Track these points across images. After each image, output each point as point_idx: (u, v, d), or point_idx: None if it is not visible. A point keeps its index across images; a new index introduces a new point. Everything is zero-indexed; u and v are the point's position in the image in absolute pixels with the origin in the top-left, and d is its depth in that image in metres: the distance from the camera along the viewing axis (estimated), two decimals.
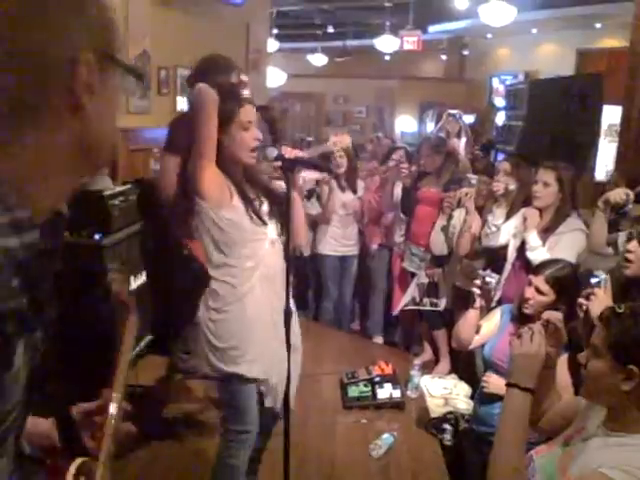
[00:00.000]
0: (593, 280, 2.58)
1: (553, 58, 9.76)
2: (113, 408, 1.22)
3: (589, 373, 1.58)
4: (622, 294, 2.59)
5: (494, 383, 2.93)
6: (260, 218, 2.32)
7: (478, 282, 3.01)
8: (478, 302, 3.04)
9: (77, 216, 3.76)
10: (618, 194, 3.20)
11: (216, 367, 2.36)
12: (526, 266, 3.34)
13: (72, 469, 1.12)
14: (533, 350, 1.65)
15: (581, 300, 2.57)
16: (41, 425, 1.22)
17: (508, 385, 1.64)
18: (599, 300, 2.48)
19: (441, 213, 4.33)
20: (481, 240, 3.91)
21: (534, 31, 10.12)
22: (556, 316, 1.82)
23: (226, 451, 2.52)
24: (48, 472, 1.12)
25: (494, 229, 3.80)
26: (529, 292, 2.86)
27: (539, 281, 2.85)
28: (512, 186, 3.82)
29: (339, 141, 4.56)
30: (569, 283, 2.84)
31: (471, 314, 3.08)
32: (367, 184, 5.25)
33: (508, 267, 3.58)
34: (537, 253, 3.30)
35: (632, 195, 3.21)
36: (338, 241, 5.20)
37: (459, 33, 12.09)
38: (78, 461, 1.15)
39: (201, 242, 2.32)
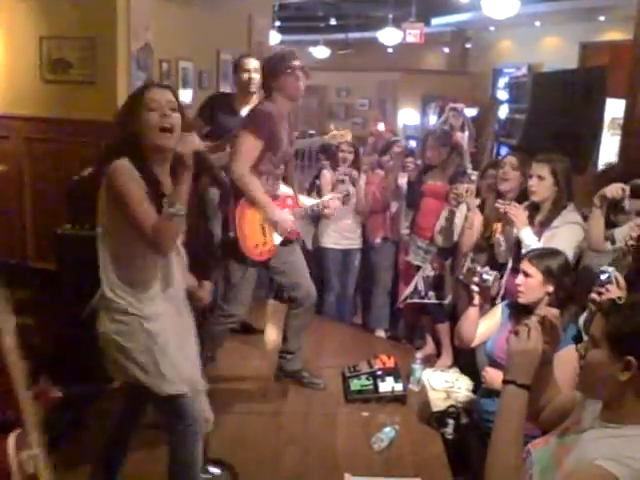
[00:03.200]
0: (603, 276, 2.57)
1: (556, 51, 9.72)
2: (14, 373, 1.24)
3: (587, 363, 1.59)
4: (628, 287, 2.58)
5: (492, 378, 2.94)
6: None
7: (476, 279, 3.02)
8: (477, 299, 3.05)
9: (79, 208, 3.77)
10: (615, 189, 3.18)
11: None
12: None
13: (11, 442, 1.12)
14: (530, 346, 1.65)
15: (593, 296, 2.57)
16: None
17: (504, 382, 1.65)
18: (613, 295, 2.47)
19: (446, 205, 4.31)
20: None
21: (537, 24, 10.08)
22: (553, 313, 1.83)
23: (180, 451, 2.45)
24: None
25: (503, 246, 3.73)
26: (518, 279, 2.89)
27: (524, 264, 2.89)
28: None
29: (339, 135, 4.55)
30: (554, 263, 2.86)
31: (471, 312, 3.09)
32: (369, 177, 5.24)
33: (510, 263, 3.57)
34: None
35: (628, 190, 3.19)
36: (340, 234, 5.20)
37: (462, 26, 12.07)
38: (14, 434, 1.18)
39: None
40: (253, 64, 4.22)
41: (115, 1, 4.39)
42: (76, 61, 4.55)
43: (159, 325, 2.28)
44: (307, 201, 3.97)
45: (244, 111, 4.05)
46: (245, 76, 4.22)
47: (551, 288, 2.84)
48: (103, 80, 4.49)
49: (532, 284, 2.85)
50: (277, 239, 3.61)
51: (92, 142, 4.39)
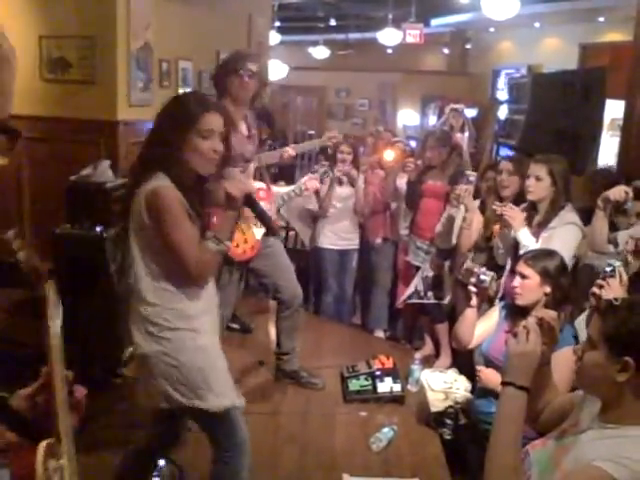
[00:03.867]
0: (608, 268, 2.57)
1: (556, 52, 9.72)
2: (56, 382, 1.21)
3: (584, 364, 1.59)
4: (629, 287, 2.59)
5: (487, 377, 2.94)
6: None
7: (473, 280, 3.02)
8: (474, 300, 3.05)
9: (78, 208, 3.77)
10: (618, 192, 3.18)
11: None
12: None
13: (40, 453, 1.11)
14: (529, 348, 1.65)
15: (594, 289, 2.57)
16: None
17: (503, 384, 1.64)
18: (613, 290, 2.47)
19: (448, 206, 4.31)
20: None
21: (537, 25, 10.08)
22: (550, 314, 1.83)
23: (227, 474, 2.37)
24: (13, 462, 1.11)
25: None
26: (515, 281, 2.89)
27: (520, 266, 2.89)
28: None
29: (333, 137, 4.54)
30: (551, 264, 2.86)
31: (468, 313, 3.09)
32: (369, 177, 5.24)
33: (509, 264, 3.57)
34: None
35: (631, 192, 3.20)
36: (337, 235, 5.20)
37: (462, 26, 12.06)
38: (44, 444, 1.14)
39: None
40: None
41: (115, 1, 4.39)
42: (76, 60, 4.55)
43: (207, 339, 2.25)
44: (284, 190, 3.94)
45: None
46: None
47: (548, 289, 2.83)
48: (103, 80, 4.49)
49: (529, 285, 2.85)
50: (258, 234, 3.54)
51: (91, 141, 4.40)
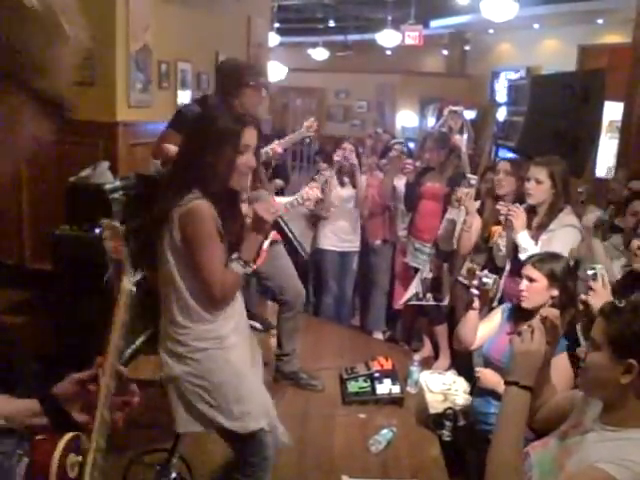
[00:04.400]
0: (589, 272, 2.59)
1: (555, 54, 9.73)
2: (106, 375, 1.20)
3: (587, 366, 1.59)
4: (630, 288, 2.59)
5: (486, 378, 2.94)
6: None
7: (475, 282, 3.02)
8: (477, 303, 3.05)
9: (77, 209, 3.76)
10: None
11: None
12: (518, 269, 3.31)
13: (61, 445, 1.10)
14: (534, 347, 1.64)
15: (582, 296, 2.58)
16: (22, 405, 1.20)
17: (507, 383, 1.64)
18: (599, 294, 2.49)
19: (450, 208, 4.32)
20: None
21: (536, 26, 10.09)
22: (553, 313, 1.82)
23: None
24: (34, 448, 1.09)
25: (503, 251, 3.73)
26: (522, 284, 2.88)
27: (527, 270, 2.88)
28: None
29: (310, 125, 4.55)
30: (558, 267, 2.86)
31: (470, 315, 3.08)
32: (368, 179, 5.24)
33: (508, 265, 3.57)
34: (528, 254, 3.28)
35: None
36: (338, 236, 5.20)
37: (461, 28, 12.07)
38: (67, 436, 1.13)
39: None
40: None
41: (114, 2, 4.39)
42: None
43: (239, 357, 2.22)
44: (285, 200, 3.95)
45: None
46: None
47: (556, 292, 2.82)
48: (102, 81, 4.48)
49: (537, 289, 2.83)
50: (264, 243, 3.56)
51: (91, 142, 4.39)
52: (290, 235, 2.19)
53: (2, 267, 4.51)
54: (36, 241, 4.69)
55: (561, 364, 2.45)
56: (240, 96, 3.34)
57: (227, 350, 2.17)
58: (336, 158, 5.11)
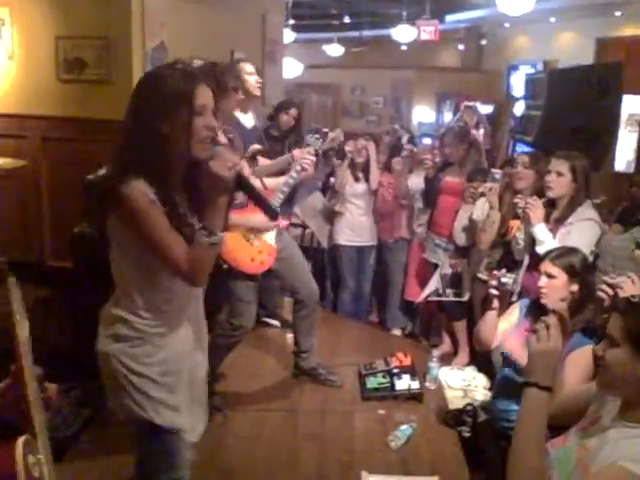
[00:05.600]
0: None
1: (572, 47, 9.63)
2: (27, 378, 1.21)
3: (607, 363, 1.57)
4: None
5: (512, 346, 2.91)
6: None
7: (494, 282, 2.99)
8: (496, 303, 3.02)
9: (95, 207, 3.78)
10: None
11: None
12: (536, 263, 3.28)
13: (19, 448, 1.12)
14: (551, 346, 1.60)
15: (604, 288, 2.53)
16: None
17: (527, 385, 1.60)
18: (629, 292, 2.44)
19: (463, 203, 4.30)
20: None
21: (553, 20, 10.00)
22: (561, 306, 1.79)
23: None
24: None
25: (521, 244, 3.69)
26: (541, 281, 2.85)
27: (546, 266, 2.85)
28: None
29: (336, 137, 4.48)
30: (578, 262, 2.83)
31: (489, 315, 3.06)
32: (380, 179, 5.22)
33: (526, 260, 3.55)
34: (546, 247, 3.25)
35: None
36: (354, 231, 5.21)
37: (476, 22, 11.98)
38: (22, 439, 1.15)
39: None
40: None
41: (130, 1, 4.41)
42: (92, 60, 4.57)
43: (174, 347, 2.02)
44: (281, 180, 3.58)
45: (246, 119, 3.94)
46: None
47: (576, 287, 2.79)
48: (118, 79, 4.50)
49: (556, 285, 2.80)
50: (270, 239, 3.47)
51: (108, 141, 4.40)
52: (256, 191, 1.93)
53: (23, 264, 4.55)
54: (56, 239, 4.73)
55: (578, 358, 2.42)
56: (222, 100, 3.06)
57: (165, 334, 1.98)
58: (347, 149, 5.09)
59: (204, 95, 1.85)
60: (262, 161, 3.63)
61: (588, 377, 2.49)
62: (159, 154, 1.83)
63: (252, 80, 3.92)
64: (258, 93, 3.91)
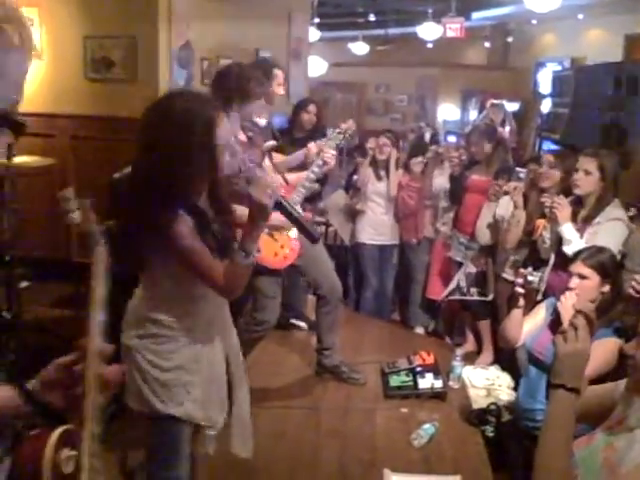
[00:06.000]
0: None
1: (600, 44, 9.51)
2: (90, 356, 1.11)
3: (638, 362, 1.54)
4: None
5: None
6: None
7: (520, 281, 2.97)
8: (521, 301, 3.00)
9: (121, 205, 3.82)
10: None
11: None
12: (563, 262, 3.26)
13: (51, 441, 1.04)
14: (579, 347, 1.56)
15: (636, 286, 2.50)
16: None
17: (554, 386, 1.57)
18: None
19: (487, 202, 4.28)
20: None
21: (580, 16, 9.88)
22: (589, 307, 1.76)
23: None
24: (20, 447, 1.04)
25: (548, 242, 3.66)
26: (572, 283, 2.81)
27: (579, 267, 2.81)
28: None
29: (348, 127, 4.45)
30: (609, 262, 2.80)
31: (515, 314, 3.03)
32: (400, 179, 5.19)
33: (552, 259, 3.52)
34: (573, 246, 3.22)
35: None
36: (376, 230, 5.20)
37: (503, 19, 11.88)
38: (58, 431, 1.07)
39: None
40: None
41: (157, 0, 4.45)
42: (119, 59, 4.63)
43: (197, 344, 2.07)
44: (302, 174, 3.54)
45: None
46: (277, 89, 4.12)
47: (607, 287, 2.76)
48: (145, 78, 4.55)
49: (589, 286, 2.77)
50: (293, 233, 3.45)
51: (134, 140, 4.46)
52: (296, 215, 1.93)
53: (50, 261, 4.61)
54: (82, 235, 4.79)
55: (597, 349, 2.39)
56: (246, 105, 3.09)
57: (189, 335, 2.04)
58: (369, 146, 5.07)
59: (221, 120, 1.90)
60: (276, 157, 3.65)
61: (606, 369, 2.48)
62: (194, 183, 1.91)
63: (280, 91, 3.97)
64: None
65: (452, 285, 4.55)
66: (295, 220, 1.97)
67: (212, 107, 1.92)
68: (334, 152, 3.42)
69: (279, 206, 1.87)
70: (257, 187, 1.81)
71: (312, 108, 4.85)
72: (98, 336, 1.13)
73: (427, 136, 5.55)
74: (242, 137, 3.20)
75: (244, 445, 2.39)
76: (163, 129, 1.92)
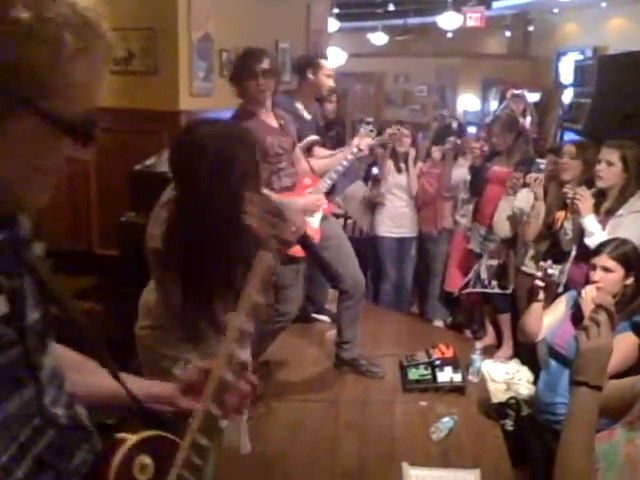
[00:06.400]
0: None
1: (623, 33, 9.38)
2: (221, 362, 1.02)
3: None
4: None
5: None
6: None
7: (540, 274, 2.95)
8: (541, 295, 2.98)
9: (142, 197, 3.85)
10: None
11: None
12: (584, 255, 3.22)
13: (129, 442, 0.96)
14: (602, 343, 1.54)
15: None
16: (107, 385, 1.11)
17: (576, 383, 1.55)
18: None
19: (505, 194, 4.25)
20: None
21: (603, 5, 9.75)
22: (608, 301, 1.74)
23: None
24: (107, 445, 0.98)
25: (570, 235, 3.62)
26: (596, 275, 2.79)
27: (603, 260, 2.79)
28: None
29: (393, 134, 4.38)
30: (633, 255, 2.77)
31: (535, 307, 3.01)
32: (422, 167, 5.17)
33: (574, 251, 3.48)
34: (595, 238, 3.19)
35: None
36: (395, 222, 5.17)
37: (524, 8, 11.75)
38: (143, 434, 0.99)
39: None
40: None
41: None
42: (138, 52, 4.63)
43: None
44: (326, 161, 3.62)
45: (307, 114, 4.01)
46: (325, 80, 4.05)
47: (631, 280, 2.74)
48: (165, 70, 4.55)
49: (613, 278, 2.75)
50: (314, 222, 3.48)
51: (154, 131, 4.47)
52: (319, 256, 1.86)
53: (71, 253, 4.65)
54: (104, 228, 4.82)
55: (621, 344, 2.37)
56: (248, 89, 3.27)
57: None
58: (388, 131, 4.97)
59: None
60: (318, 151, 3.66)
61: (627, 365, 2.46)
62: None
63: (329, 83, 4.01)
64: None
65: (470, 276, 4.52)
66: (318, 259, 1.88)
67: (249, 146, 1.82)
68: (371, 141, 3.56)
69: (304, 244, 1.91)
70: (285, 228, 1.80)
71: (334, 98, 4.96)
72: (237, 341, 1.03)
73: (454, 125, 5.49)
74: (274, 123, 3.26)
75: (241, 441, 2.35)
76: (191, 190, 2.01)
